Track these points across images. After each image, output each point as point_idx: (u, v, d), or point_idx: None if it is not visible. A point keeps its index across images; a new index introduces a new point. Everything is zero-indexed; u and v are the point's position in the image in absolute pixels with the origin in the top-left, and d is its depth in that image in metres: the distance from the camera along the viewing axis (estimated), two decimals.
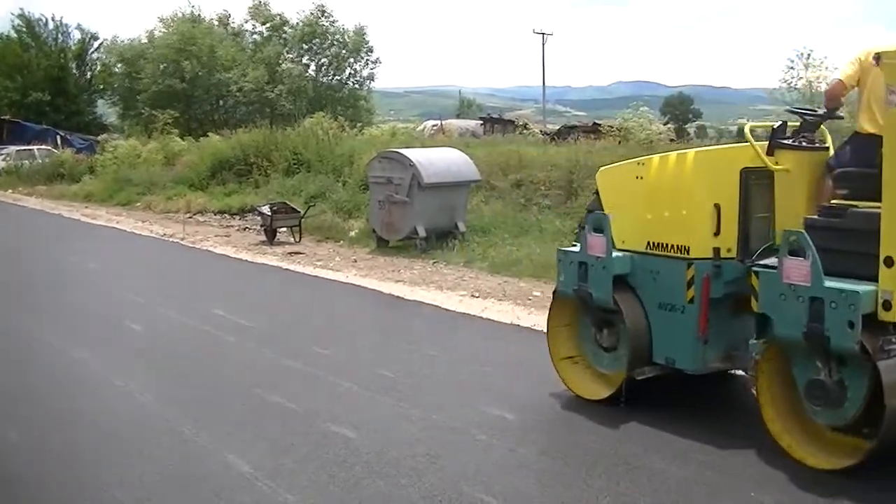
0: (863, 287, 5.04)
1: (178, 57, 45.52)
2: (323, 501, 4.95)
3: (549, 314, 6.85)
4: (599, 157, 17.58)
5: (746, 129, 6.33)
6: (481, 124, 47.16)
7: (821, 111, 6.27)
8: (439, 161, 14.52)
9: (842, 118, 6.48)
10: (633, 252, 6.27)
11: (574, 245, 6.81)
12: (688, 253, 5.97)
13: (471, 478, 5.21)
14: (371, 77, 52.27)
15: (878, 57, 5.32)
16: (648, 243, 6.20)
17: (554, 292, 6.79)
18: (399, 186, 13.85)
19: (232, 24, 52.04)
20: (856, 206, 5.44)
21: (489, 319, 9.52)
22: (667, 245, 6.10)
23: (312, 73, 50.44)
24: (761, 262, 5.72)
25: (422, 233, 13.84)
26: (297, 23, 50.36)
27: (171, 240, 16.88)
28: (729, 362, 6.28)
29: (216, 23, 50.80)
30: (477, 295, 10.71)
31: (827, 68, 15.28)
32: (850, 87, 6.04)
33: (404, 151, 14.73)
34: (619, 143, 21.92)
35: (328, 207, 17.54)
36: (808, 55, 15.69)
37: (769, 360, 5.63)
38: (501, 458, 5.55)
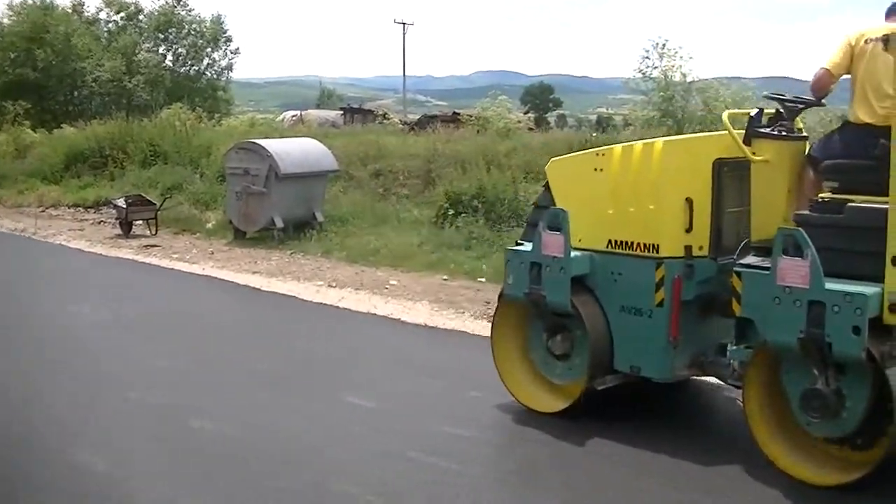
0: (870, 289, 4.66)
1: (30, 45, 43.91)
2: (202, 500, 4.94)
3: (494, 319, 6.40)
4: (457, 147, 17.96)
5: (725, 118, 5.74)
6: (342, 115, 46.97)
7: (802, 99, 5.85)
8: (297, 151, 14.55)
9: (824, 105, 6.03)
10: (592, 251, 5.84)
11: (522, 244, 6.29)
12: (657, 252, 5.57)
13: (345, 471, 5.25)
14: (230, 67, 51.39)
15: (886, 39, 4.83)
16: (610, 241, 5.76)
17: (500, 296, 6.30)
18: (256, 177, 13.83)
19: (86, 13, 50.46)
20: (853, 201, 5.05)
21: (346, 309, 9.67)
22: (632, 243, 5.68)
23: (170, 63, 49.38)
24: (744, 262, 5.31)
25: (279, 224, 13.86)
26: (153, 11, 49.23)
27: (21, 234, 16.38)
28: (698, 369, 5.88)
29: (70, 10, 49.15)
30: (334, 285, 10.85)
31: (682, 58, 16.05)
32: (837, 76, 5.56)
33: (261, 142, 14.69)
34: (478, 132, 22.28)
35: (185, 199, 17.30)
36: (664, 45, 16.40)
37: (757, 368, 5.22)
38: (369, 448, 5.61)
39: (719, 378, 5.93)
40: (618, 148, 5.85)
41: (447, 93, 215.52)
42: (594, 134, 17.95)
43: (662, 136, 15.25)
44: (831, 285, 4.71)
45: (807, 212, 5.21)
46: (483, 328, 8.44)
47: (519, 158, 16.78)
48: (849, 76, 5.52)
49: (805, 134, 5.81)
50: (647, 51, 16.48)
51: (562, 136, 20.18)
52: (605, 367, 5.80)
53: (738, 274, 5.19)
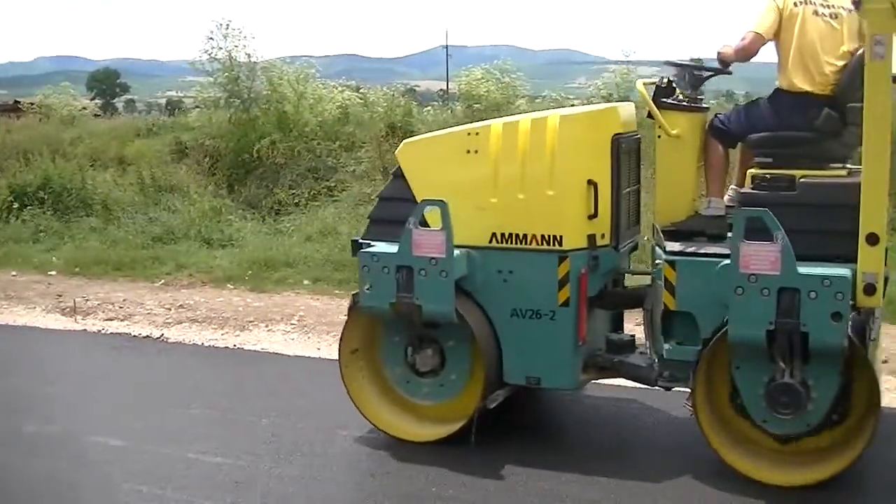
0: (846, 271, 4.26)
1: None
2: None
3: (343, 336, 5.35)
4: (19, 137, 17.05)
5: (640, 87, 5.22)
6: None
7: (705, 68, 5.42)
8: None
9: (731, 73, 5.37)
10: (469, 248, 4.96)
11: (369, 244, 5.24)
12: (560, 244, 4.84)
13: None
14: None
15: (858, 2, 4.41)
16: (494, 235, 4.95)
17: (350, 308, 5.30)
18: None
19: None
20: (802, 177, 4.70)
21: None
22: (525, 236, 4.90)
23: None
24: (676, 250, 4.80)
25: None
26: None
27: None
28: (596, 372, 5.21)
29: None
30: None
31: (245, 38, 16.28)
32: (768, 40, 5.03)
33: None
34: (41, 120, 21.25)
35: None
36: (227, 25, 16.55)
37: (707, 367, 4.66)
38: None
39: (636, 380, 5.14)
40: (496, 125, 5.04)
41: (8, 81, 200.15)
42: (162, 118, 17.72)
43: (230, 116, 15.55)
44: (805, 269, 4.27)
45: (753, 190, 4.81)
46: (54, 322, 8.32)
47: (85, 146, 16.37)
48: (772, 41, 5.08)
49: (707, 105, 5.42)
50: (212, 31, 16.58)
51: (128, 121, 19.69)
52: (497, 381, 5.01)
53: (672, 263, 4.70)
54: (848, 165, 4.95)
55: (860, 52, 4.60)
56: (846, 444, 4.51)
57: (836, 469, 4.43)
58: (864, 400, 4.51)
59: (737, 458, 4.59)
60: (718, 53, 5.19)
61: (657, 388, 5.01)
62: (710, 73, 5.32)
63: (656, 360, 4.92)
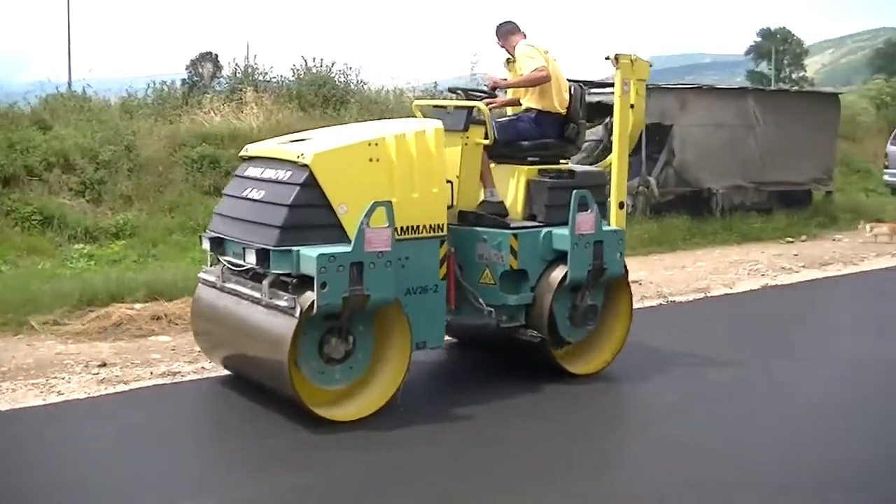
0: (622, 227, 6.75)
1: None
2: None
3: (294, 340, 5.52)
4: None
5: (414, 108, 7.38)
6: None
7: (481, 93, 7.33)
8: None
9: (496, 97, 7.39)
10: None
11: (294, 249, 5.59)
12: (441, 231, 6.11)
13: None
14: None
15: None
16: (399, 229, 5.80)
17: (305, 311, 5.50)
18: None
19: None
20: (574, 169, 7.00)
21: None
22: (419, 227, 5.97)
23: None
24: (518, 225, 6.59)
25: None
26: None
27: None
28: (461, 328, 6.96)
29: None
30: None
31: None
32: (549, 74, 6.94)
33: None
34: None
35: None
36: None
37: (540, 304, 6.57)
38: None
39: (481, 330, 6.77)
40: (389, 137, 5.93)
41: None
42: None
43: None
44: (606, 228, 6.65)
45: (548, 179, 6.81)
46: None
47: None
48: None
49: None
50: None
51: None
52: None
53: (515, 235, 6.46)
54: (567, 162, 7.25)
55: (572, 86, 7.11)
56: (608, 341, 7.01)
57: (604, 360, 6.94)
58: (622, 309, 7.03)
59: (558, 357, 6.73)
60: (493, 82, 7.26)
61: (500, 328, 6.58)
62: (484, 95, 7.19)
63: (493, 311, 6.47)
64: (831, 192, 17.79)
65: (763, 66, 77.92)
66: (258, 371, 5.95)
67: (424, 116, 7.05)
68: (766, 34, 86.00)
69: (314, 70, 19.14)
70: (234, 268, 6.03)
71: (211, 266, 6.49)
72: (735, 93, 16.88)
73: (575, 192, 6.45)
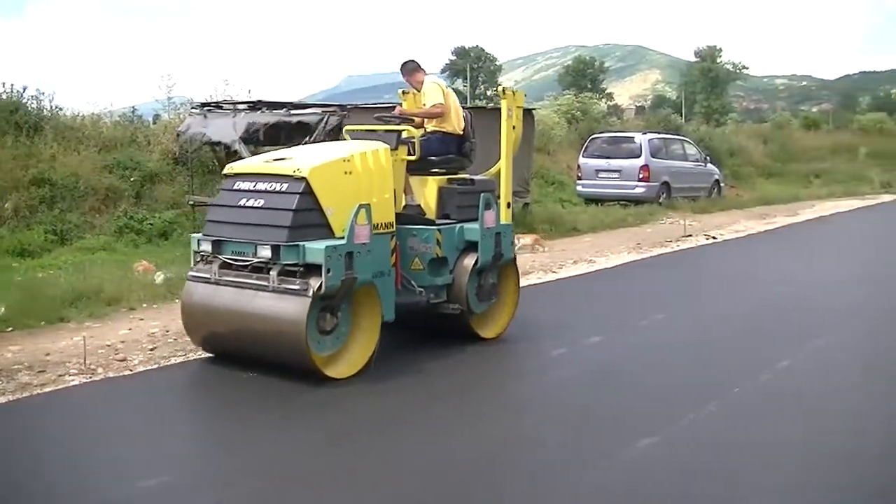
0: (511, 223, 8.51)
1: None
2: None
3: (309, 315, 6.82)
4: None
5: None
6: None
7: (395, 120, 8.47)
8: None
9: (412, 123, 8.51)
10: None
11: (300, 244, 6.88)
12: (392, 227, 7.49)
13: None
14: None
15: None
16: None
17: (316, 290, 6.79)
18: None
19: None
20: (474, 178, 8.58)
21: None
22: (378, 224, 7.24)
23: None
24: (441, 222, 8.13)
25: None
26: None
27: None
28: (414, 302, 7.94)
29: None
30: None
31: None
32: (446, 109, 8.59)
33: None
34: None
35: None
36: None
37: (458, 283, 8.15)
38: None
39: (415, 306, 7.92)
40: (357, 154, 7.33)
41: None
42: None
43: None
44: (503, 222, 8.35)
45: (456, 185, 8.38)
46: None
47: None
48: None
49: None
50: None
51: None
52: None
53: (440, 230, 8.01)
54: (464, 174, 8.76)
55: (466, 113, 8.92)
56: (502, 311, 8.76)
57: (503, 325, 8.70)
58: (512, 285, 8.83)
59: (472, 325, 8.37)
60: (400, 111, 8.85)
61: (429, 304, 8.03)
62: (399, 122, 8.35)
63: (423, 291, 7.97)
64: (528, 204, 18.78)
65: (458, 84, 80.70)
66: (269, 346, 7.05)
67: (352, 139, 8.41)
68: (461, 52, 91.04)
69: (3, 96, 17.83)
70: (235, 263, 7.22)
71: (195, 265, 7.59)
72: None
73: (482, 194, 8.15)
